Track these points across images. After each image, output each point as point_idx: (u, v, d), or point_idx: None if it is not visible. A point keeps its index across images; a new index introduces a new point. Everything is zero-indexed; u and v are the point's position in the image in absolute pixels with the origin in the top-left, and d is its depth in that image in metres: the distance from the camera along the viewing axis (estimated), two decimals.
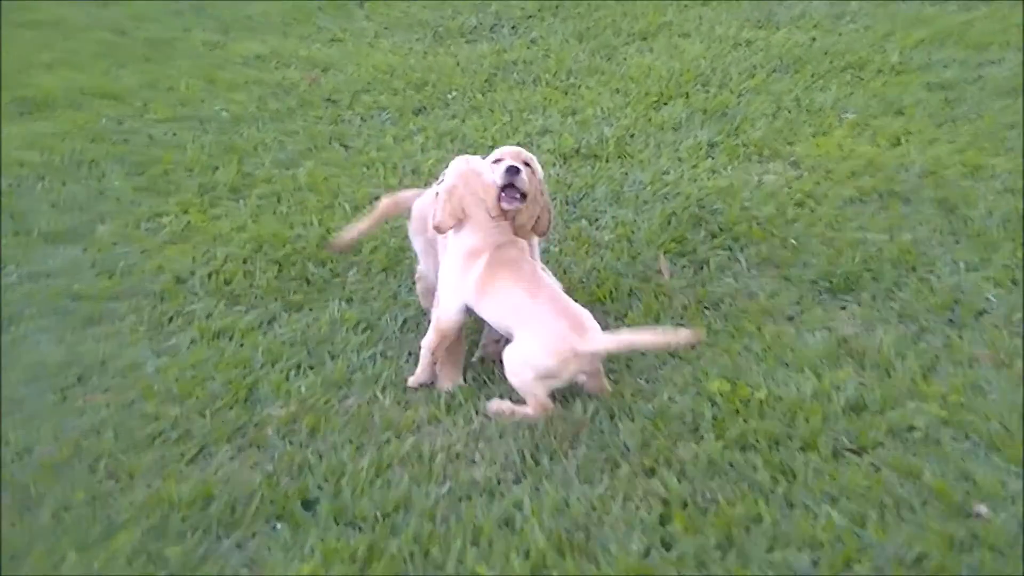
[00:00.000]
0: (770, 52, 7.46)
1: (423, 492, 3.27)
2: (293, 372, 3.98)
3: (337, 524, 3.15)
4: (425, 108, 6.66)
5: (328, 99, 6.80)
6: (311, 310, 4.42)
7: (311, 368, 4.00)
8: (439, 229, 3.73)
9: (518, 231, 3.77)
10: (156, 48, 7.96)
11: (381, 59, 7.50)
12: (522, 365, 3.54)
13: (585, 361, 3.58)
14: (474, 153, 4.10)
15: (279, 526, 3.15)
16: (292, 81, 7.11)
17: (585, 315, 3.62)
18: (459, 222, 3.71)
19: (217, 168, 5.75)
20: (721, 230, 4.96)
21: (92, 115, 6.57)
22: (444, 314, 3.75)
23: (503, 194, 3.70)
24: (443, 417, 3.71)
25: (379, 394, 3.83)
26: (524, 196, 3.73)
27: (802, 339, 4.09)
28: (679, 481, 3.28)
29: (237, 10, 8.93)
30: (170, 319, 4.38)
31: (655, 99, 6.62)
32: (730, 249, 4.82)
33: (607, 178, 5.50)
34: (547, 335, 3.53)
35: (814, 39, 7.74)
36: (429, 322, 3.90)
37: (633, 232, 4.96)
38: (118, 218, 5.24)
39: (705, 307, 4.39)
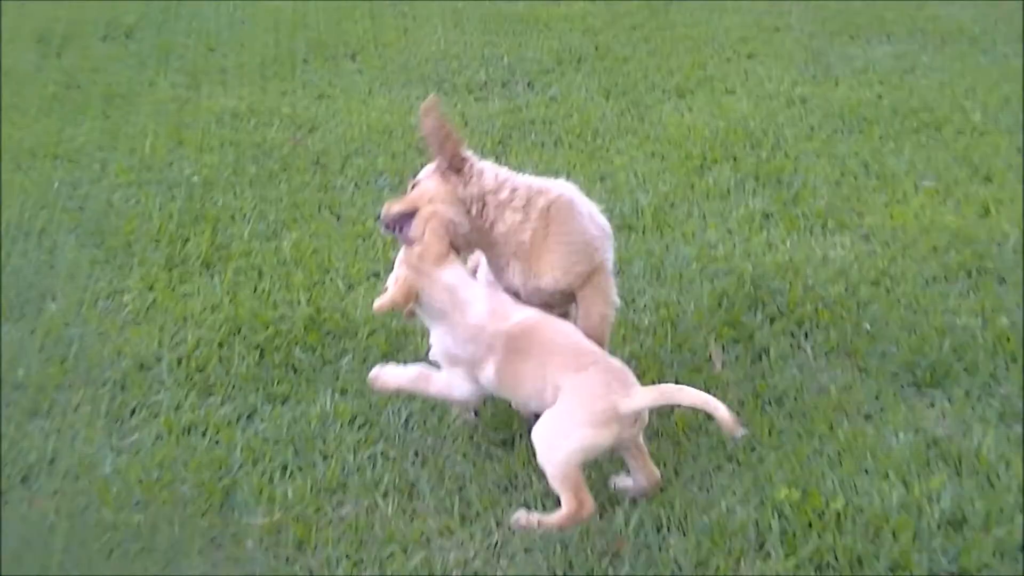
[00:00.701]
0: (830, 110, 7.59)
1: None
2: (277, 474, 3.97)
3: None
4: None
5: (316, 162, 6.90)
6: (298, 402, 4.43)
7: (299, 469, 3.99)
8: None
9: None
10: (115, 102, 8.11)
11: (376, 118, 7.63)
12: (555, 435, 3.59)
13: (627, 424, 3.61)
14: None
15: None
16: (273, 142, 7.22)
17: (624, 370, 3.73)
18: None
19: (187, 239, 5.81)
20: (782, 313, 4.99)
21: (41, 177, 6.66)
22: None
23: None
24: (457, 528, 3.68)
25: (380, 500, 3.81)
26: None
27: (884, 441, 4.09)
28: None
29: (208, 61, 9.11)
30: (132, 411, 4.37)
31: (698, 162, 6.72)
32: (793, 335, 4.85)
33: (645, 252, 5.54)
34: (584, 393, 3.61)
35: (880, 96, 7.88)
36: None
37: (678, 315, 4.98)
38: (71, 295, 5.27)
39: (766, 402, 4.40)
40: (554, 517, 3.61)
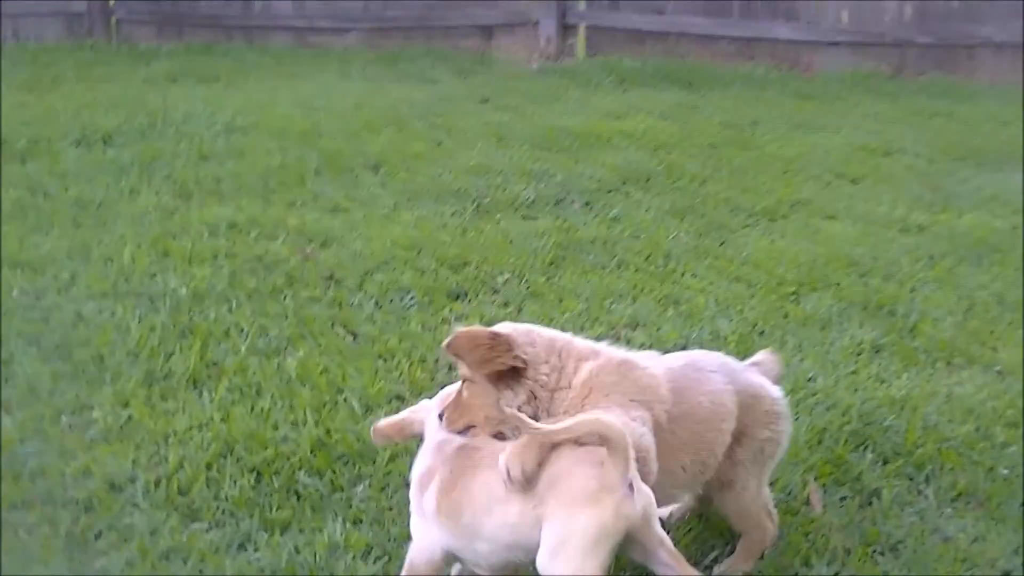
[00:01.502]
0: (954, 240, 7.74)
1: None
2: None
3: None
4: (465, 293, 6.91)
5: (329, 277, 7.08)
6: (301, 531, 4.49)
7: None
8: None
9: None
10: (88, 211, 8.37)
11: (401, 233, 7.83)
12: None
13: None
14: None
15: None
16: (278, 255, 7.42)
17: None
18: None
19: (172, 354, 5.95)
20: (897, 454, 5.05)
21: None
22: None
23: None
24: None
25: None
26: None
27: None
28: None
29: (200, 170, 9.41)
30: (98, 534, 4.44)
31: (791, 288, 6.85)
32: (911, 478, 4.90)
33: None
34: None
35: (1016, 226, 8.04)
36: None
37: None
38: (29, 408, 5.40)
39: (878, 552, 4.43)
40: None
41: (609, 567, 3.59)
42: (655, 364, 4.20)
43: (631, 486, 3.59)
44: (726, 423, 4.18)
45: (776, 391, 4.34)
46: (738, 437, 4.21)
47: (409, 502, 4.06)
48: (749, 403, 4.22)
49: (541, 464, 3.64)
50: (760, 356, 4.50)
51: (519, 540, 3.69)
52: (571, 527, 3.55)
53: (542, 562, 3.57)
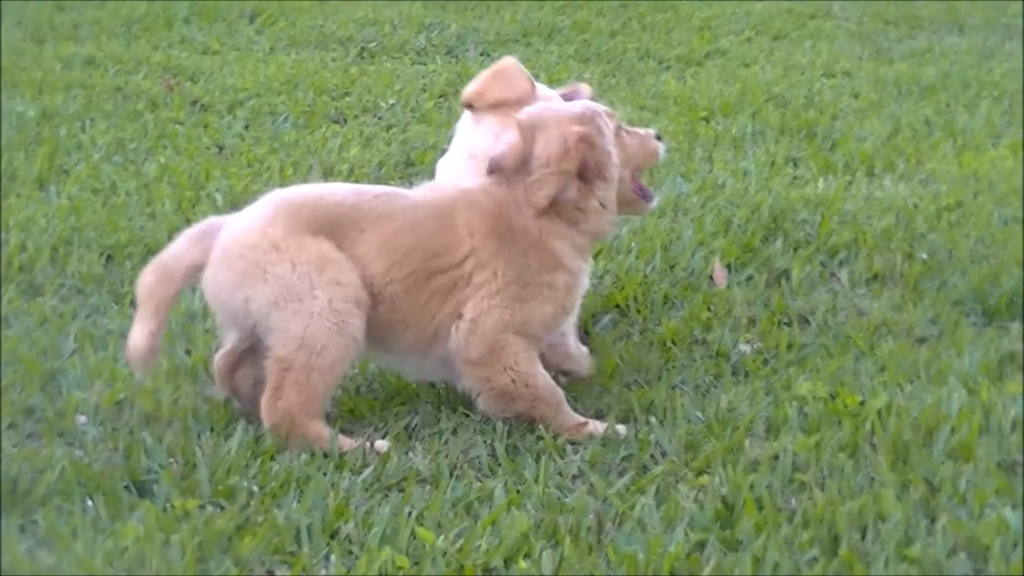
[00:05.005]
0: (881, 82, 7.88)
1: None
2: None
3: None
4: (345, 119, 6.95)
5: (195, 103, 7.10)
6: None
7: None
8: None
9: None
10: None
11: (277, 71, 7.82)
12: None
13: None
14: None
15: None
16: (139, 88, 7.40)
17: None
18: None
19: (15, 161, 5.95)
20: (809, 242, 5.16)
21: None
22: None
23: None
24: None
25: None
26: None
27: (942, 359, 4.20)
28: None
29: (56, 18, 9.34)
30: None
31: (703, 115, 6.95)
32: (823, 265, 5.01)
33: None
34: None
35: (948, 73, 8.18)
36: None
37: (671, 240, 5.14)
38: None
39: (785, 322, 4.54)
40: None
41: None
42: None
43: None
44: None
45: None
46: None
47: None
48: None
49: None
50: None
51: None
52: None
53: None
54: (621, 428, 3.75)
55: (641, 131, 4.03)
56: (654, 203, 4.07)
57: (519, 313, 3.73)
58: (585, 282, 3.90)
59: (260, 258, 3.59)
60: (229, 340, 3.82)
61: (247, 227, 3.66)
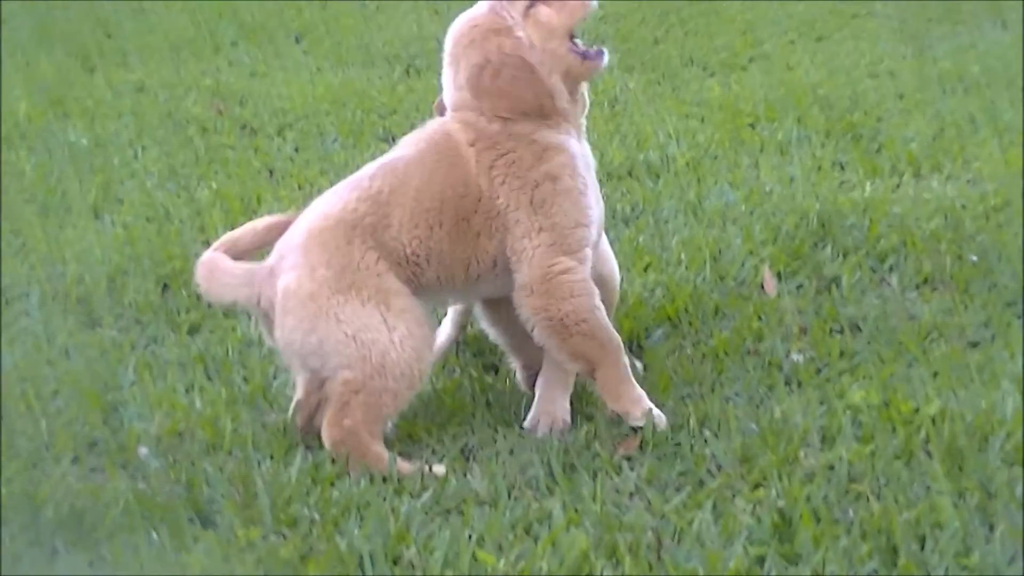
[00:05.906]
0: (925, 80, 7.85)
1: None
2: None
3: None
4: (395, 136, 6.97)
5: (245, 126, 7.17)
6: (212, 332, 4.65)
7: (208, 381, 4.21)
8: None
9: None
10: None
11: (325, 91, 7.91)
12: None
13: None
14: None
15: None
16: (189, 114, 7.50)
17: None
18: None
19: (69, 192, 6.04)
20: (858, 247, 5.15)
21: None
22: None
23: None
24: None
25: None
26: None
27: (995, 363, 4.19)
28: None
29: (105, 45, 9.46)
30: None
31: (748, 121, 6.95)
32: (873, 269, 5.01)
33: (676, 196, 5.76)
34: None
35: (991, 67, 8.13)
36: None
37: (720, 250, 5.15)
38: None
39: (837, 330, 4.54)
40: None
41: None
42: None
43: None
44: None
45: None
46: None
47: None
48: None
49: None
50: None
51: None
52: None
53: None
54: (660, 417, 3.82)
55: None
56: (604, 59, 4.10)
57: (547, 222, 3.77)
58: (588, 158, 3.99)
59: (325, 304, 3.65)
60: (300, 386, 3.86)
61: (299, 277, 3.70)
